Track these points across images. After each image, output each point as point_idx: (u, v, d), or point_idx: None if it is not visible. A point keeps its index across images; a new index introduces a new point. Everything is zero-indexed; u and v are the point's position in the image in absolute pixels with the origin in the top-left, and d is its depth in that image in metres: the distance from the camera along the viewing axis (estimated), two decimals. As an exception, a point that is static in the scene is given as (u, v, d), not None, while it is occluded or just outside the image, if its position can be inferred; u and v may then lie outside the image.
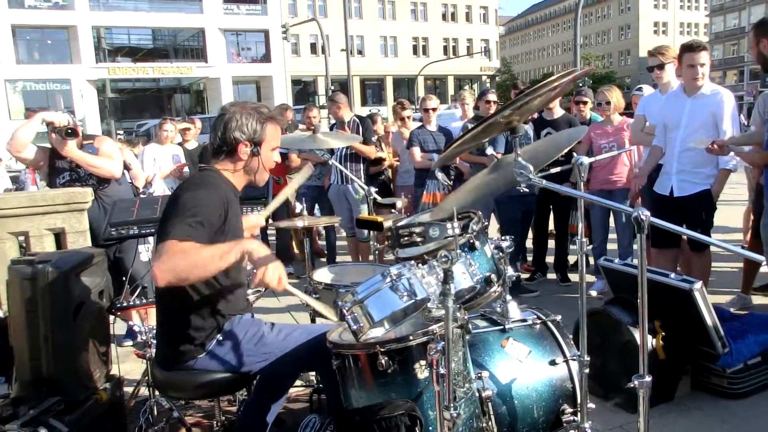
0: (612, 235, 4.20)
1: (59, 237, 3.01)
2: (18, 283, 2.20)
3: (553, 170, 2.79)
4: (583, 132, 3.28)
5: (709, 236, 3.32)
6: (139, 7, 31.63)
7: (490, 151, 4.05)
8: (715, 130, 3.17)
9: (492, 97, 4.59)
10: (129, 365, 3.02)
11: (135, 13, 31.18)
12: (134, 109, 32.08)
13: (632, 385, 1.49)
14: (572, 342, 1.97)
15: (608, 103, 4.06)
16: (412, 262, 1.47)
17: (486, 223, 1.94)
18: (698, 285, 2.40)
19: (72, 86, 29.38)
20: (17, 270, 2.21)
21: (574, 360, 1.88)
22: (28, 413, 1.96)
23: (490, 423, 1.66)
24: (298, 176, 2.65)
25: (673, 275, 2.56)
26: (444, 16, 40.82)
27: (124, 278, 2.97)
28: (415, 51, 39.90)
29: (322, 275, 2.35)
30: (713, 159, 3.19)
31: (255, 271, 1.55)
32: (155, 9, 31.88)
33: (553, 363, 1.89)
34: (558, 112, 4.38)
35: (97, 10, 30.16)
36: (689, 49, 3.17)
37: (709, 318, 2.43)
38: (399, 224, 1.70)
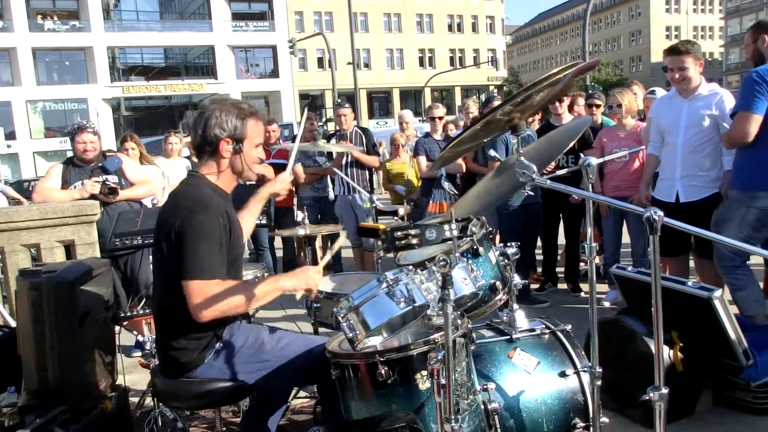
0: (626, 249, 4.08)
1: (69, 249, 3.03)
2: (25, 293, 2.21)
3: (560, 172, 2.74)
4: (586, 124, 3.13)
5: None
6: (151, 27, 32.44)
7: (492, 153, 3.95)
8: (716, 131, 3.07)
9: (497, 103, 4.53)
10: (136, 375, 3.01)
11: (147, 33, 31.97)
12: (147, 126, 32.68)
13: (648, 398, 1.41)
14: (583, 353, 1.89)
15: (620, 106, 3.93)
16: (411, 267, 1.42)
17: (490, 229, 1.88)
18: (718, 293, 2.30)
19: (88, 105, 30.09)
20: (24, 280, 2.23)
21: (585, 371, 1.81)
22: (35, 422, 1.97)
23: (497, 437, 1.59)
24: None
25: (690, 282, 2.46)
26: (450, 27, 41.00)
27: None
28: (421, 63, 40.06)
29: (324, 284, 2.31)
30: (719, 161, 3.11)
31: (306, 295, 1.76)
32: (167, 28, 32.66)
33: (563, 374, 1.82)
34: (567, 117, 4.29)
35: (111, 31, 30.97)
36: (666, 52, 3.18)
37: (731, 328, 2.32)
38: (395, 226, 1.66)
